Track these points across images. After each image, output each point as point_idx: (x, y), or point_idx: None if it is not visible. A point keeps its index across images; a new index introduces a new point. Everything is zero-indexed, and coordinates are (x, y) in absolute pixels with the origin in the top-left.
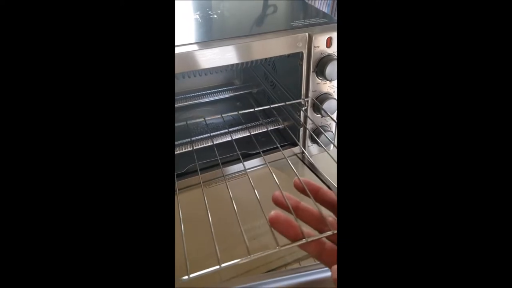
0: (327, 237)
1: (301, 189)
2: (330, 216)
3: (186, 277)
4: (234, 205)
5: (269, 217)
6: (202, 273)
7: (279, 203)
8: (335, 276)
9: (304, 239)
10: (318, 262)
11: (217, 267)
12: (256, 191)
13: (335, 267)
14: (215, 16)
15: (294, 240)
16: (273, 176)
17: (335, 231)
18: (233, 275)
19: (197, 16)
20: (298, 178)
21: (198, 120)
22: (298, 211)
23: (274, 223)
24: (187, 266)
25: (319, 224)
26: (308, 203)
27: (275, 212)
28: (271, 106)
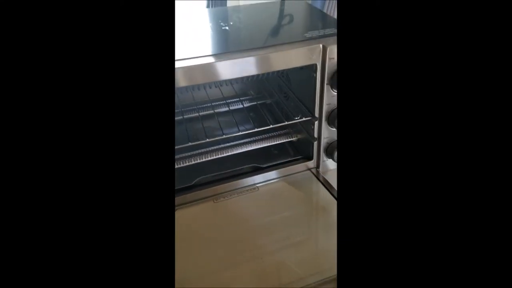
0: None
1: None
2: None
3: None
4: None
5: None
6: None
7: None
8: None
9: None
10: None
11: None
12: (266, 207)
13: None
14: (227, 28)
15: None
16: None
17: None
18: None
19: (210, 29)
20: None
21: (210, 130)
22: None
23: None
24: None
25: None
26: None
27: None
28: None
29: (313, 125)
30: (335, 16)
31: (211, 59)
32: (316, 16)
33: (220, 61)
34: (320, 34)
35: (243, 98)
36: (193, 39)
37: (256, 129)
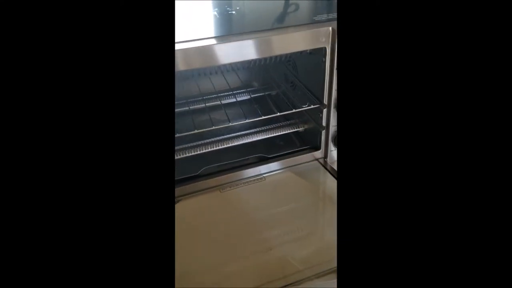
0: None
1: None
2: None
3: None
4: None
5: None
6: None
7: None
8: None
9: None
10: None
11: None
12: (272, 198)
13: None
14: (234, 12)
15: None
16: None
17: None
18: None
19: (215, 13)
20: None
21: (215, 122)
22: None
23: None
24: None
25: None
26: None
27: None
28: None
29: (321, 113)
30: None
31: (215, 41)
32: (322, 4)
33: (228, 42)
34: (329, 17)
35: (249, 89)
36: (198, 22)
37: (262, 117)
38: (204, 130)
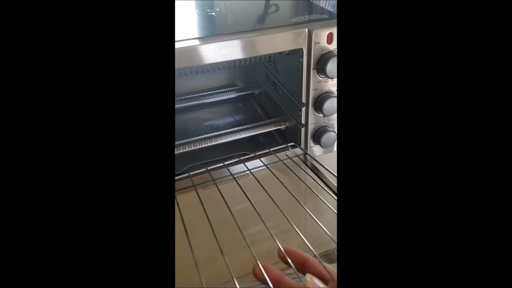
0: None
1: (284, 260)
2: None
3: None
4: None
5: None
6: None
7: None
8: None
9: None
10: None
11: None
12: (255, 194)
13: None
14: (213, 14)
15: None
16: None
17: None
18: None
19: (195, 14)
20: (281, 249)
21: (199, 120)
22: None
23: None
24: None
25: None
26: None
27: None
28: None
29: (301, 111)
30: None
31: (198, 42)
32: (302, 5)
33: (207, 43)
34: (305, 19)
35: (232, 88)
36: (179, 23)
37: (251, 124)
38: (190, 132)
